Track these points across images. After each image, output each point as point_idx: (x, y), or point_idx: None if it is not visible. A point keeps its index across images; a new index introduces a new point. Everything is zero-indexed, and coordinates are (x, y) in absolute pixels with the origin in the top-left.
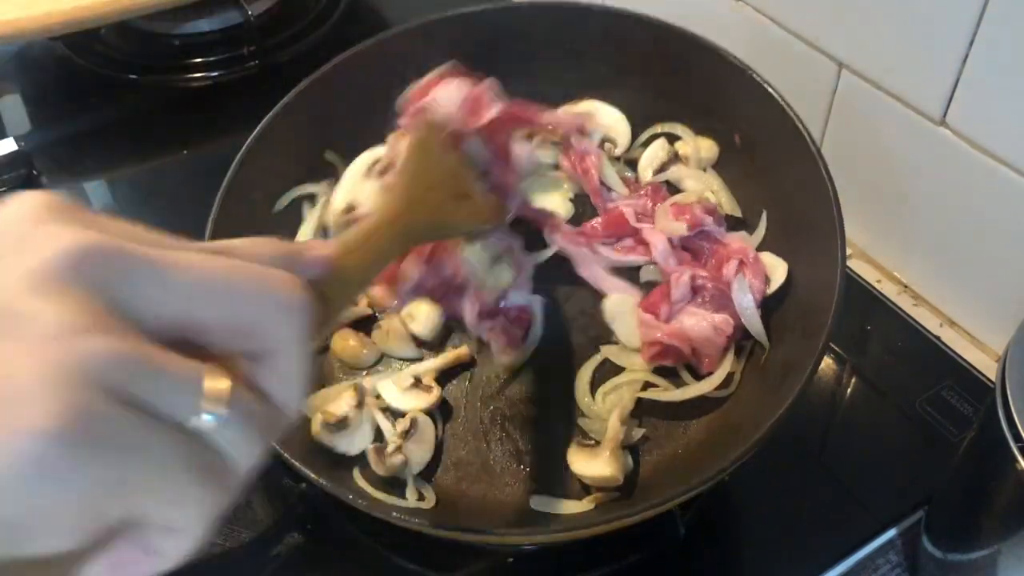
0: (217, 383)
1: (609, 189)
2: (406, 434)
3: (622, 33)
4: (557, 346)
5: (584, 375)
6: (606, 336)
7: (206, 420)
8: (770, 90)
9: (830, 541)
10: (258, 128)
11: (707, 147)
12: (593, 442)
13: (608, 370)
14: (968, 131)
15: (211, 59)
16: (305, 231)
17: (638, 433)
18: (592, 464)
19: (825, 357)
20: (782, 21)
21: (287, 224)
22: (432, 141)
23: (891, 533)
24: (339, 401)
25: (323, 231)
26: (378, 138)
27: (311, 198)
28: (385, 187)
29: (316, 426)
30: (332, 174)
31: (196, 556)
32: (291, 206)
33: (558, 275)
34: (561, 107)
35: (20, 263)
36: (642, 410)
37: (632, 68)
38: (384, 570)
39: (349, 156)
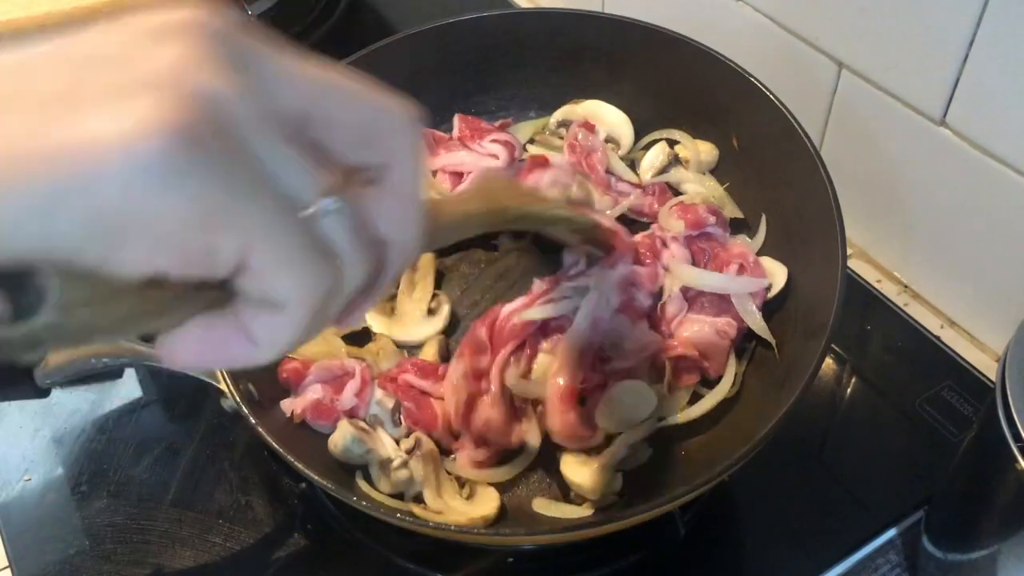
0: (334, 179)
1: (618, 179)
2: (410, 451)
3: (620, 39)
4: None
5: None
6: None
7: (322, 204)
8: (767, 93)
9: (830, 541)
10: None
11: (707, 150)
12: (592, 452)
13: None
14: (968, 131)
15: None
16: None
17: (645, 455)
18: (578, 472)
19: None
20: (782, 21)
21: None
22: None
23: (891, 533)
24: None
25: None
26: None
27: None
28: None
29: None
30: None
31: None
32: None
33: None
34: (565, 105)
35: (157, 17)
36: None
37: (630, 73)
38: (384, 570)
39: None
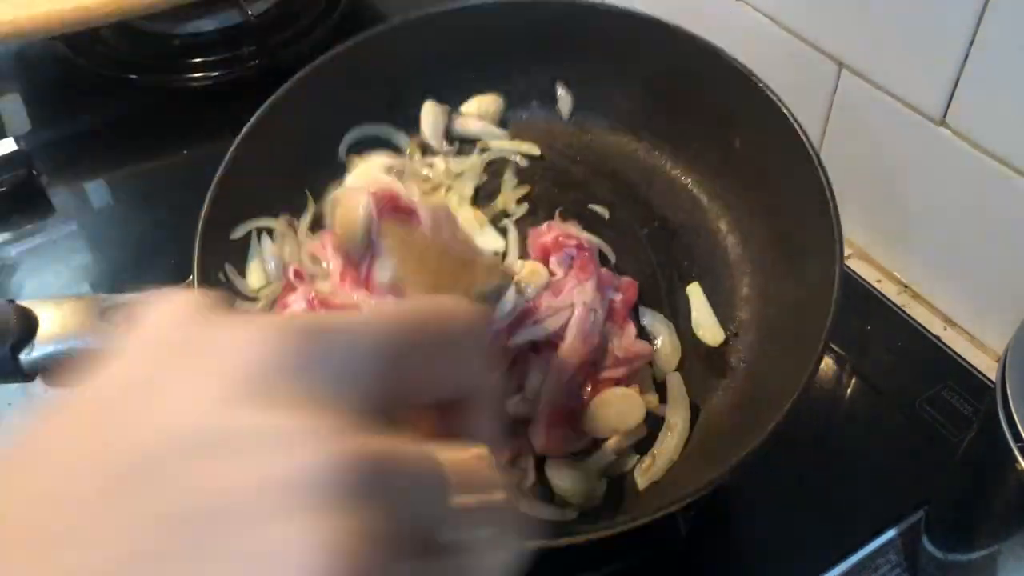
0: (457, 454)
1: None
2: None
3: (621, 33)
4: None
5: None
6: None
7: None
8: (772, 96)
9: (830, 541)
10: (246, 127)
11: (489, 101)
12: (579, 456)
13: None
14: (968, 131)
15: (211, 59)
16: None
17: (631, 462)
18: (564, 476)
19: (825, 357)
20: (782, 21)
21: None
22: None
23: (891, 533)
24: None
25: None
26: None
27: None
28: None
29: None
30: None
31: None
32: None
33: None
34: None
35: (204, 373)
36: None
37: (631, 68)
38: None
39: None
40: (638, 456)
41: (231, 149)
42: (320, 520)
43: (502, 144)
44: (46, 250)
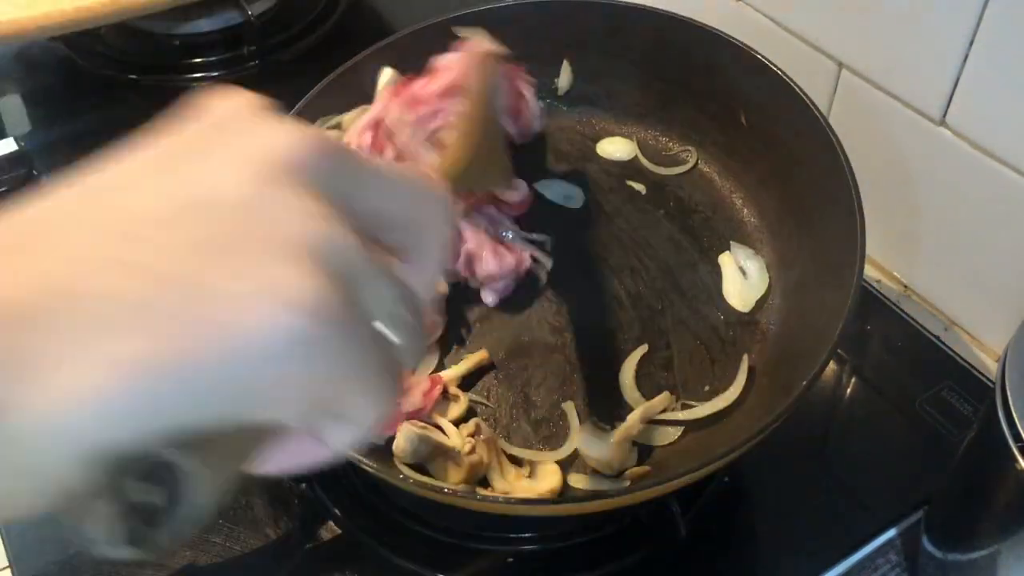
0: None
1: None
2: (473, 436)
3: (622, 24)
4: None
5: (630, 365)
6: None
7: (398, 315)
8: (773, 67)
9: (830, 541)
10: None
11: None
12: (609, 427)
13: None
14: (968, 131)
15: (211, 59)
16: None
17: (663, 432)
18: (595, 446)
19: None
20: (782, 21)
21: None
22: (485, 87)
23: (891, 533)
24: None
25: None
26: None
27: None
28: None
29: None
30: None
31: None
32: None
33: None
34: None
35: (244, 151)
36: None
37: (635, 58)
38: (384, 570)
39: None
40: (670, 428)
41: None
42: (304, 268)
43: None
44: None
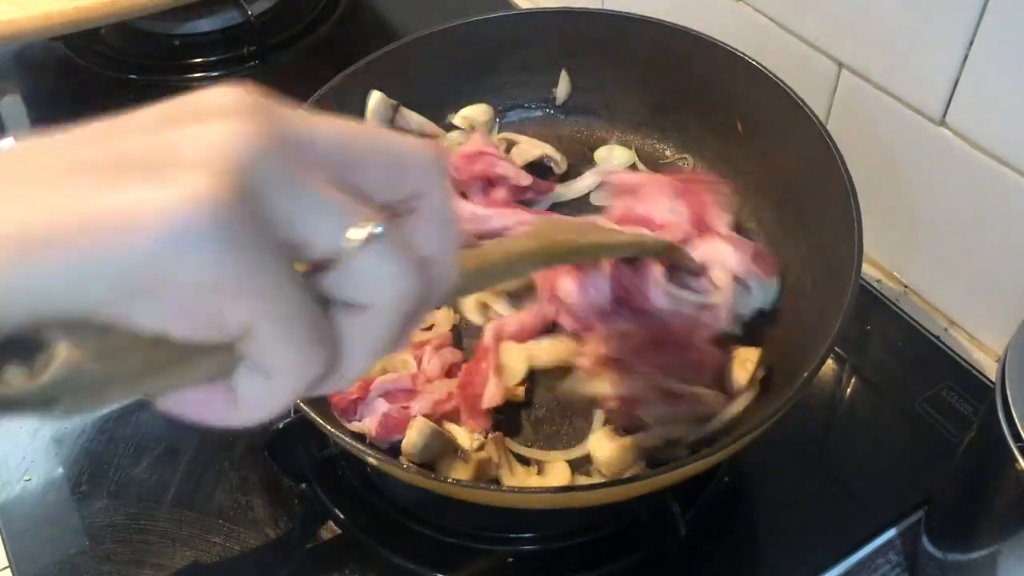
0: (374, 211)
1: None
2: (484, 433)
3: (619, 35)
4: None
5: None
6: None
7: (366, 232)
8: (767, 73)
9: (830, 541)
10: None
11: (480, 111)
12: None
13: None
14: (968, 131)
15: (211, 59)
16: None
17: (679, 453)
18: (602, 445)
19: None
20: (782, 21)
21: None
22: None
23: (891, 533)
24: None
25: None
26: None
27: None
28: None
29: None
30: None
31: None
32: None
33: None
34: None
35: (200, 99)
36: None
37: (632, 68)
38: (384, 570)
39: None
40: (689, 451)
41: None
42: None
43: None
44: None
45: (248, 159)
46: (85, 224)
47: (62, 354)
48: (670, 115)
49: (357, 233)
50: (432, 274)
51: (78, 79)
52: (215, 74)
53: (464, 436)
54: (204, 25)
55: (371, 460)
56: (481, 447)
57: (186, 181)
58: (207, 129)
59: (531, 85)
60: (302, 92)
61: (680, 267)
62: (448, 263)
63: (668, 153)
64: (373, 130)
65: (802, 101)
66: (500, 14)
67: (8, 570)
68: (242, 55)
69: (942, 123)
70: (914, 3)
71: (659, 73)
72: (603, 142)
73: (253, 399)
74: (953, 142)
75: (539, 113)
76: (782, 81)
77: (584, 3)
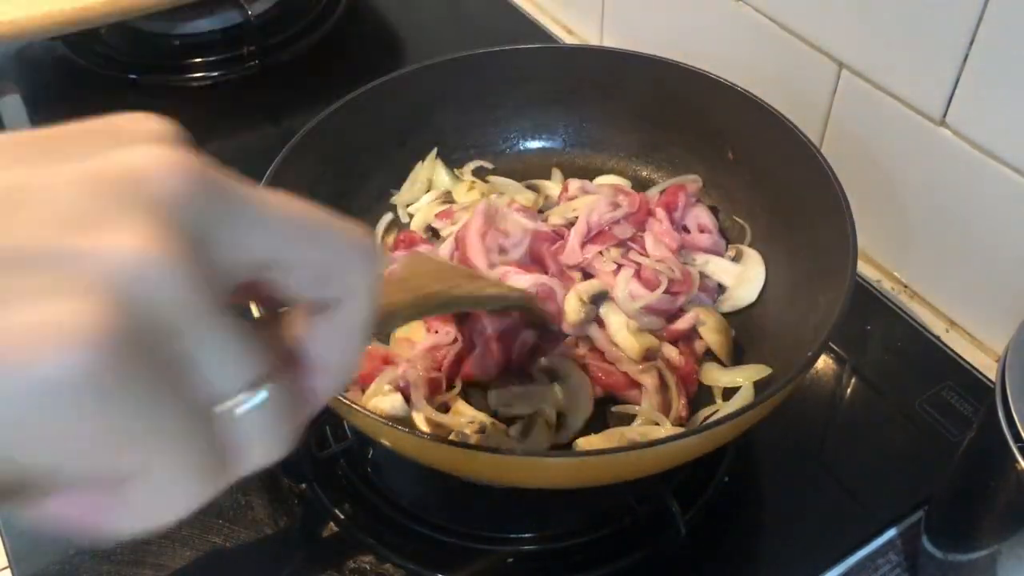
0: (270, 362)
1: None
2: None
3: (616, 70)
4: None
5: None
6: None
7: (253, 397)
8: (756, 99)
9: (830, 541)
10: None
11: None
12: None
13: None
14: (968, 131)
15: (211, 59)
16: None
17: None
18: (620, 334)
19: (825, 357)
20: (782, 21)
21: None
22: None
23: (891, 533)
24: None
25: None
26: (393, 169)
27: None
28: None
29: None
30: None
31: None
32: None
33: None
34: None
35: (103, 164)
36: None
37: (626, 102)
38: (384, 570)
39: (363, 188)
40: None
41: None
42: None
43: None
44: None
45: (150, 285)
46: None
47: None
48: (663, 146)
49: (247, 397)
50: (317, 390)
51: (78, 79)
52: (215, 74)
53: (463, 420)
54: (204, 25)
55: (385, 431)
56: (482, 430)
57: (71, 318)
58: (116, 236)
59: (526, 114)
60: (302, 92)
61: (537, 322)
62: (339, 377)
63: (660, 180)
64: (312, 221)
65: (795, 127)
66: (500, 48)
67: (8, 570)
68: (242, 55)
69: (942, 123)
70: (914, 3)
71: (653, 107)
72: (596, 172)
73: (142, 510)
74: (953, 142)
75: (536, 145)
76: (773, 108)
77: (585, 31)
